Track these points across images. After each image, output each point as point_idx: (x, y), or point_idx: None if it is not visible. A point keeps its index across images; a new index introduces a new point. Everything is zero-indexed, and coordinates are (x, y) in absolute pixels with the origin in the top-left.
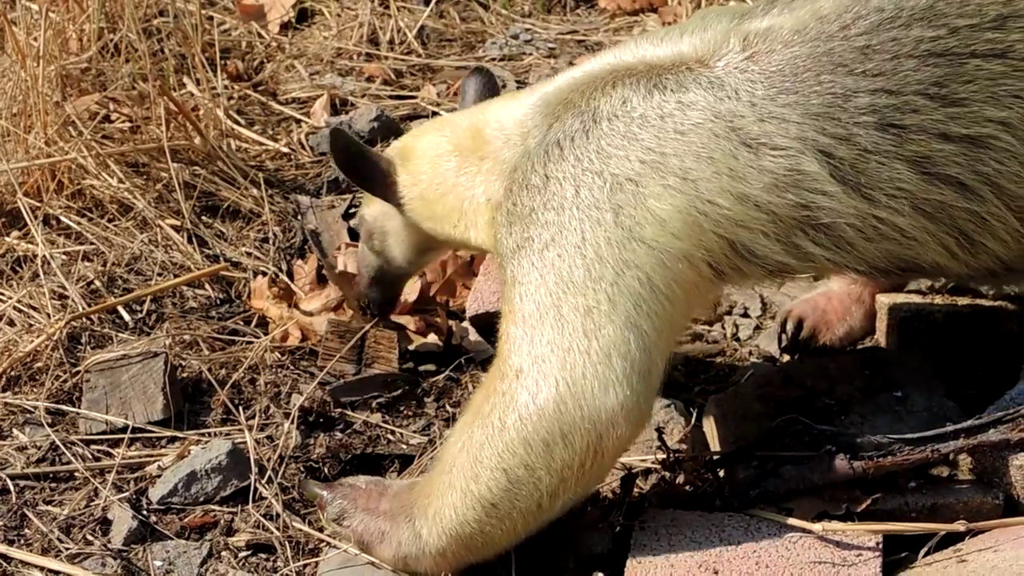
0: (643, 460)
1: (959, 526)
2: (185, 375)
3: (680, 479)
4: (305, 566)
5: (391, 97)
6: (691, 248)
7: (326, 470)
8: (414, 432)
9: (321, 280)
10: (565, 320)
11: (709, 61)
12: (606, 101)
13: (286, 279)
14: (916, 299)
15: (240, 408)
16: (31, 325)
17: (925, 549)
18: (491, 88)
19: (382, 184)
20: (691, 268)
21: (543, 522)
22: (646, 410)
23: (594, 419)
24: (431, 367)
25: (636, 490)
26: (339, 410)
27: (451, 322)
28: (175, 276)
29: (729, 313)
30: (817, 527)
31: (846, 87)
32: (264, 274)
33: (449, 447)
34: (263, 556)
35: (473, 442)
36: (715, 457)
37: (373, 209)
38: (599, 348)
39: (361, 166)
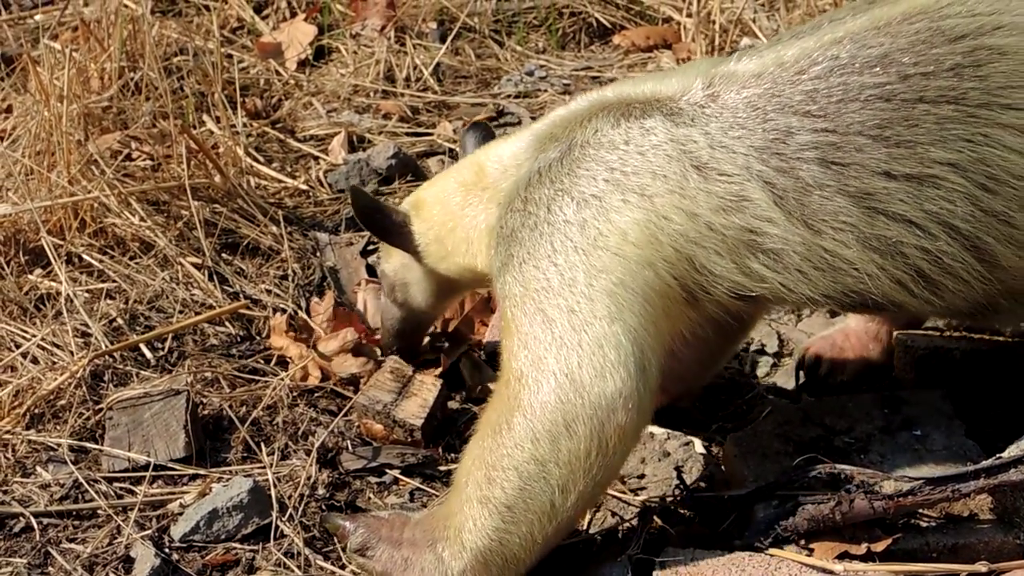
0: (662, 498)
1: (980, 567)
2: (206, 413)
3: (699, 518)
4: None
5: (408, 134)
6: (653, 257)
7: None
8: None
9: (338, 318)
10: (552, 321)
11: (677, 97)
12: (581, 132)
13: (305, 316)
14: (935, 336)
15: (261, 445)
16: (54, 363)
17: None
18: (489, 139)
19: (399, 234)
20: (658, 277)
21: (560, 527)
22: (646, 401)
23: (595, 405)
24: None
25: (655, 527)
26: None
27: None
28: (196, 314)
29: (746, 350)
30: (838, 567)
31: (789, 125)
32: (283, 311)
33: (463, 465)
34: None
35: (484, 450)
36: (735, 496)
37: (393, 263)
38: (589, 340)
39: (379, 219)
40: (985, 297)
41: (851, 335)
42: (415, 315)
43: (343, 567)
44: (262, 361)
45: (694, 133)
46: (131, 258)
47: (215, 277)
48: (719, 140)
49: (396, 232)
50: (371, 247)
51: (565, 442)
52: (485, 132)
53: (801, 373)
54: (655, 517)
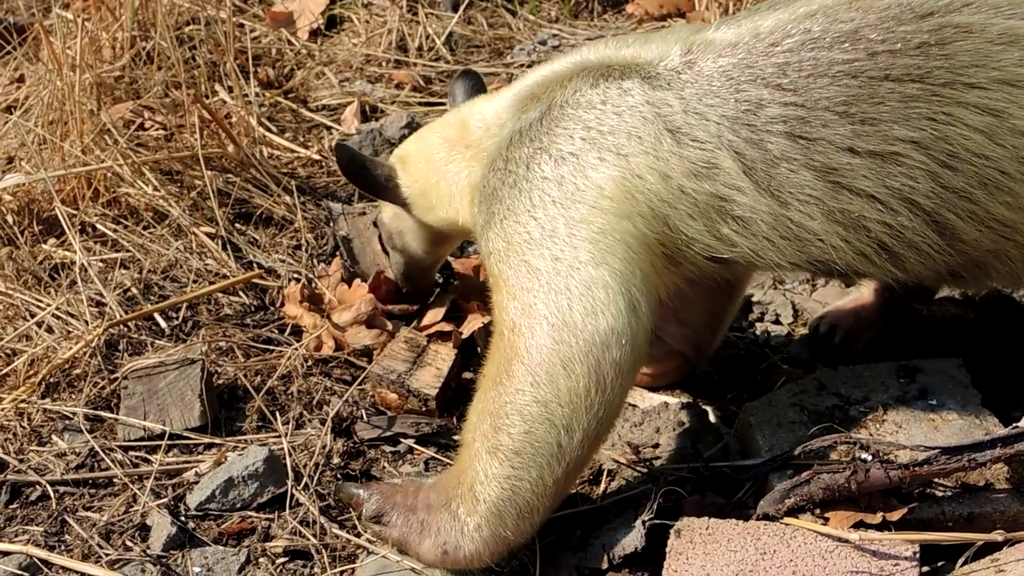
0: (677, 468)
1: (997, 536)
2: (221, 382)
3: (714, 487)
4: (342, 572)
5: (420, 103)
6: (630, 212)
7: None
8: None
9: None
10: (537, 270)
11: (655, 62)
12: (561, 93)
13: (320, 285)
14: (950, 306)
15: (276, 415)
16: (69, 332)
17: (963, 559)
18: (479, 89)
19: (385, 188)
20: (636, 229)
21: (569, 470)
22: (640, 338)
23: (589, 343)
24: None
25: (671, 497)
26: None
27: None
28: (210, 283)
29: (761, 320)
30: (854, 536)
31: (760, 97)
32: (297, 281)
33: (468, 423)
34: (300, 562)
35: (487, 402)
36: (750, 465)
37: (388, 212)
38: (577, 284)
39: (365, 174)
40: (947, 268)
41: (866, 304)
42: (415, 260)
43: (358, 535)
44: (276, 331)
45: (669, 97)
46: (145, 228)
47: (228, 247)
48: (693, 106)
49: (382, 186)
50: None
51: (564, 381)
52: (475, 81)
53: (816, 342)
54: (670, 486)
